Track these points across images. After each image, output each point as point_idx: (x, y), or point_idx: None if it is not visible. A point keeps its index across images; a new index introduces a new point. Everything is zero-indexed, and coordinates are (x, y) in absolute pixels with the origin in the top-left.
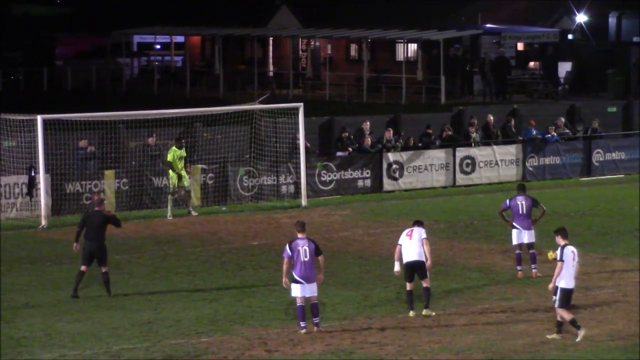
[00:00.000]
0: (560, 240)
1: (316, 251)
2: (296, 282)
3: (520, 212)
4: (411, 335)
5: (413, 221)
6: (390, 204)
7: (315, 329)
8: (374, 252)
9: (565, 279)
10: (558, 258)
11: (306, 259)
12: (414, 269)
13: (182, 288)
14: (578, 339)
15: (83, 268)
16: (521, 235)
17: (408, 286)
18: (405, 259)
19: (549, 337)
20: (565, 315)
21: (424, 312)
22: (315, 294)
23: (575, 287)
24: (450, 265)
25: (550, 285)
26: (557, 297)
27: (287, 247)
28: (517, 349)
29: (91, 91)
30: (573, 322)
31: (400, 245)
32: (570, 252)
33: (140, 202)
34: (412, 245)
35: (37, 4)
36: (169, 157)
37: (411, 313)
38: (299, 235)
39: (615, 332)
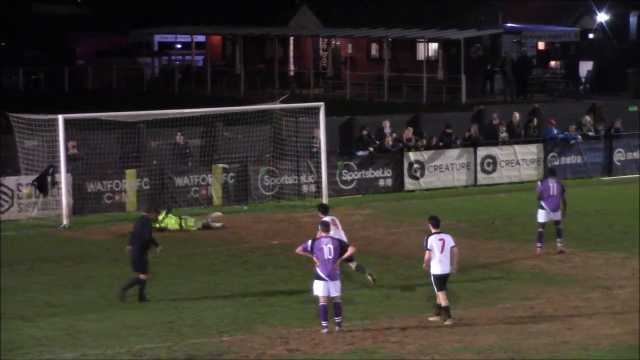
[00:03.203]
0: (431, 229)
1: (341, 247)
2: (320, 279)
3: (551, 192)
4: (432, 334)
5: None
6: (411, 203)
7: (337, 328)
8: (395, 252)
9: (434, 266)
10: (425, 247)
11: (330, 257)
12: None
13: (204, 287)
14: (447, 323)
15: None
16: (549, 215)
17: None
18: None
19: (430, 319)
20: (442, 299)
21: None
22: (339, 294)
23: (447, 272)
24: (472, 264)
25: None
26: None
27: (310, 242)
28: (539, 348)
29: (112, 91)
30: (446, 309)
31: (431, 250)
32: (438, 240)
33: (161, 201)
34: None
35: (58, 4)
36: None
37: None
38: (323, 234)
39: (636, 331)
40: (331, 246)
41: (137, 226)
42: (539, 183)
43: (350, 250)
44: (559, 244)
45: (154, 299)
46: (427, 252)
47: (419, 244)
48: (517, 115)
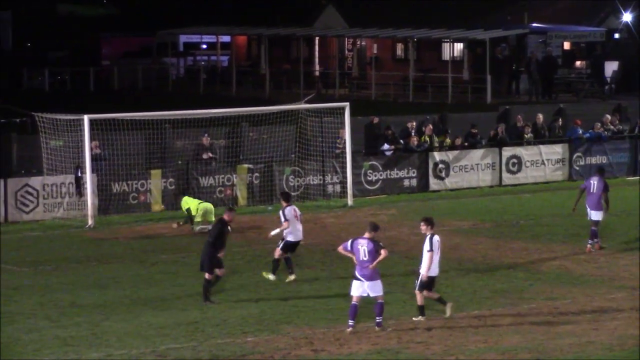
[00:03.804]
0: (429, 230)
1: (376, 249)
2: (356, 279)
3: (591, 190)
4: (457, 335)
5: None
6: (436, 203)
7: (376, 328)
8: (420, 252)
9: (433, 267)
10: (428, 249)
11: (365, 259)
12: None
13: (228, 287)
14: (415, 319)
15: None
16: (589, 213)
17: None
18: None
19: (414, 319)
20: (419, 298)
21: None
22: (380, 293)
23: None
24: (497, 265)
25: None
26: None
27: (350, 241)
28: (564, 348)
29: (137, 91)
30: (421, 308)
31: (434, 252)
32: (436, 241)
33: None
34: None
35: (83, 4)
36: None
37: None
38: (365, 235)
39: None
40: (366, 248)
41: (213, 227)
42: (585, 180)
43: (383, 254)
44: (588, 245)
45: (179, 299)
46: (431, 253)
47: (444, 244)
48: (540, 116)
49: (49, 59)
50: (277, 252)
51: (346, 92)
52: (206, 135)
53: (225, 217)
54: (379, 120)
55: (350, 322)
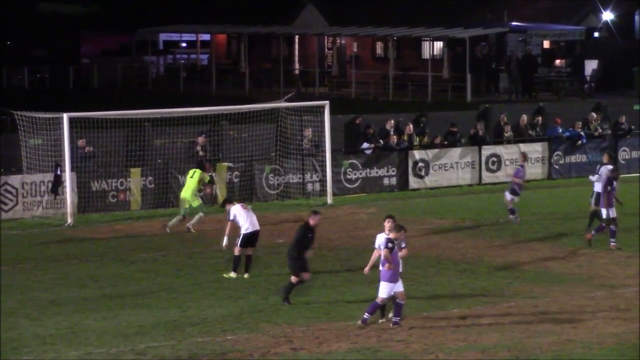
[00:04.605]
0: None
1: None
2: (389, 281)
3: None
4: (437, 333)
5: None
6: (416, 202)
7: (390, 324)
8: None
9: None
10: (377, 247)
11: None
12: None
13: (208, 286)
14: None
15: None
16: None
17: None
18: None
19: (380, 321)
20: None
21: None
22: (401, 289)
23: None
24: (476, 263)
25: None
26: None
27: (390, 244)
28: (543, 347)
29: (117, 89)
30: (381, 309)
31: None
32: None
33: (165, 200)
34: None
35: (63, 3)
36: (207, 179)
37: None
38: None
39: None
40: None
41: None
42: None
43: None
44: (612, 243)
45: (158, 298)
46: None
47: (423, 243)
48: (524, 117)
49: (29, 57)
50: (237, 250)
51: (326, 90)
52: (203, 135)
53: (311, 221)
54: (361, 119)
55: (365, 317)
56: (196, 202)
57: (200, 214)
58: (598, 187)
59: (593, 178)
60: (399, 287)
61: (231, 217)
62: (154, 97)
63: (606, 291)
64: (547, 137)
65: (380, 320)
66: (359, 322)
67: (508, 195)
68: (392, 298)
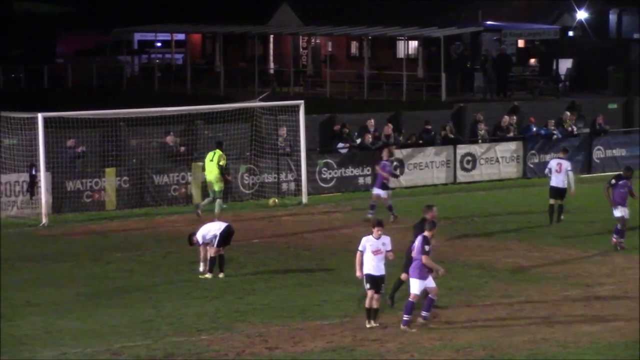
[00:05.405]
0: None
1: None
2: (420, 278)
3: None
4: (412, 332)
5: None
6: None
7: (418, 319)
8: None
9: (366, 266)
10: (360, 249)
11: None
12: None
13: (184, 286)
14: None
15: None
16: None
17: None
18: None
19: (368, 326)
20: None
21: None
22: (433, 285)
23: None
24: (451, 262)
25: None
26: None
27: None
28: (518, 345)
29: (92, 89)
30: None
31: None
32: (366, 241)
33: (141, 200)
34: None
35: (38, 2)
36: (222, 162)
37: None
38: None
39: (616, 328)
40: (415, 245)
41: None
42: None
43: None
44: (620, 241)
45: (133, 298)
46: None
47: (400, 241)
48: (506, 118)
49: (3, 57)
50: (214, 250)
51: (301, 90)
52: (172, 134)
53: (427, 233)
54: (338, 126)
55: (406, 317)
56: (217, 186)
57: (219, 200)
58: (554, 182)
59: (547, 172)
60: (430, 282)
61: (201, 242)
62: (129, 97)
63: (581, 290)
64: (521, 136)
65: (367, 325)
66: (402, 325)
67: (381, 192)
68: (424, 294)
